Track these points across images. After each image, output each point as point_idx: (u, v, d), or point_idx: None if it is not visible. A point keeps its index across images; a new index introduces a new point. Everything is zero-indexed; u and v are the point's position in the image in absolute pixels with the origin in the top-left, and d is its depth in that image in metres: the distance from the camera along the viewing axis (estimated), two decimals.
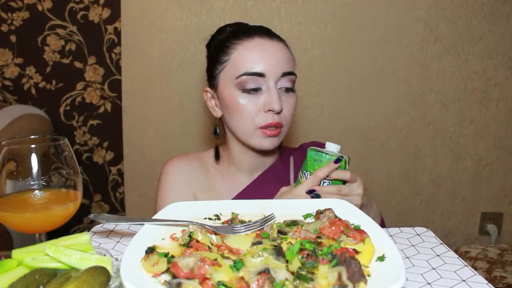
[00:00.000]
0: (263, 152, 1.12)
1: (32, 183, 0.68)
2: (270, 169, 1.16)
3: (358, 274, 0.52)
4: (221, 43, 1.07)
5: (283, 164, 1.18)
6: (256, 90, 1.01)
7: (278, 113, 1.01)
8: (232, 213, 0.75)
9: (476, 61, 2.07)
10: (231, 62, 1.03)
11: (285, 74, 1.02)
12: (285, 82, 1.03)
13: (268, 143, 1.04)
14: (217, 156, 1.17)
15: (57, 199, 0.70)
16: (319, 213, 0.72)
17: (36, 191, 0.69)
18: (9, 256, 0.56)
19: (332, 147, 0.97)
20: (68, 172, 0.71)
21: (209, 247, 0.61)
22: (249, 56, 1.01)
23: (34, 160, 0.67)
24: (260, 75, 1.00)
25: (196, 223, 0.67)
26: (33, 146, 0.68)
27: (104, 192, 2.20)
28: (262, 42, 1.03)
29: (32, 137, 0.74)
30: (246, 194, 1.10)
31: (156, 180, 1.20)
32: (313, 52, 2.02)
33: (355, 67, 2.04)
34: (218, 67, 1.06)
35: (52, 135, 0.73)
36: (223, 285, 0.51)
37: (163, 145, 2.09)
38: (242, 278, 0.52)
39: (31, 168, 0.67)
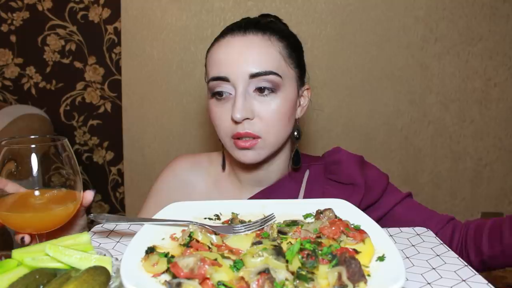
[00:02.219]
0: (263, 164, 0.99)
1: (32, 183, 0.68)
2: (275, 185, 1.02)
3: (358, 274, 0.52)
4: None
5: (291, 179, 1.03)
6: (222, 96, 0.90)
7: (244, 121, 0.88)
8: (232, 213, 0.75)
9: (476, 61, 2.07)
10: (206, 66, 0.96)
11: (254, 76, 0.87)
12: (257, 85, 0.88)
13: (244, 156, 0.91)
14: (223, 167, 1.06)
15: (57, 199, 0.70)
16: (319, 213, 0.72)
17: (36, 191, 0.69)
18: (9, 256, 0.56)
19: None
20: (68, 172, 0.70)
21: (209, 247, 0.61)
22: (215, 58, 0.92)
23: (34, 160, 0.67)
24: (224, 79, 0.89)
25: (196, 223, 0.67)
26: (33, 146, 0.67)
27: (104, 192, 2.20)
28: (231, 40, 0.91)
29: (32, 137, 0.73)
30: None
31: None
32: (313, 52, 2.02)
33: (355, 67, 2.04)
34: (205, 73, 0.99)
35: (52, 135, 0.73)
36: (223, 285, 0.51)
37: (163, 145, 2.09)
38: (242, 278, 0.52)
39: (31, 168, 0.67)
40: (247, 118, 0.88)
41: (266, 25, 0.95)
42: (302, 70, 0.98)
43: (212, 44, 0.95)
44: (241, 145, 0.89)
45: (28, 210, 0.68)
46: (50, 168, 0.69)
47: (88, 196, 0.76)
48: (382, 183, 0.99)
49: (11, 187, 0.69)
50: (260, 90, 0.89)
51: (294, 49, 0.95)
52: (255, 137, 0.89)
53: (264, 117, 0.89)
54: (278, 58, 0.91)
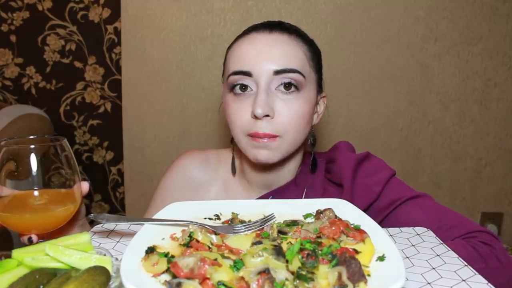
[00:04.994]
0: (276, 167, 0.97)
1: (31, 183, 0.68)
2: (283, 188, 1.00)
3: (358, 274, 0.52)
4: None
5: (296, 185, 1.01)
6: (244, 91, 0.89)
7: (264, 118, 0.87)
8: (232, 213, 0.75)
9: (476, 61, 2.07)
10: (227, 61, 0.95)
11: (278, 72, 0.87)
12: (281, 82, 0.88)
13: (258, 154, 0.88)
14: (233, 169, 1.04)
15: (57, 199, 0.70)
16: (319, 213, 0.72)
17: (35, 192, 0.69)
18: (9, 256, 0.56)
19: None
20: (68, 172, 0.70)
21: (209, 247, 0.61)
22: (238, 53, 0.91)
23: (33, 160, 0.67)
24: (247, 73, 0.88)
25: (196, 223, 0.67)
26: (32, 146, 0.67)
27: (104, 192, 2.20)
28: (257, 36, 0.91)
29: (32, 137, 0.73)
30: None
31: (156, 180, 1.19)
32: None
33: (355, 67, 2.04)
34: (223, 70, 0.99)
35: (52, 135, 0.73)
36: (223, 285, 0.51)
37: (163, 145, 2.09)
38: (242, 278, 0.52)
39: (30, 168, 0.67)
40: (267, 116, 0.87)
41: (291, 27, 0.95)
42: (320, 76, 0.98)
43: (235, 41, 0.96)
44: (261, 143, 0.87)
45: (27, 211, 0.67)
46: (50, 168, 0.69)
47: (84, 187, 0.75)
48: (381, 180, 0.95)
49: (6, 192, 0.68)
50: (286, 86, 0.88)
51: (315, 54, 0.96)
52: (273, 137, 0.88)
53: (285, 116, 0.87)
54: (303, 58, 0.90)
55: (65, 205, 0.69)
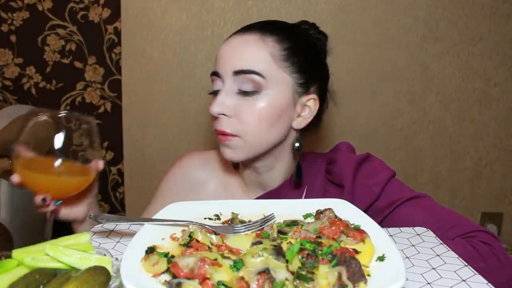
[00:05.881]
0: (264, 171, 0.98)
1: (56, 154, 0.74)
2: (277, 190, 1.00)
3: (358, 274, 0.52)
4: None
5: (291, 185, 1.01)
6: (215, 91, 0.93)
7: (222, 117, 0.89)
8: (232, 213, 0.75)
9: (476, 61, 2.07)
10: None
11: (237, 73, 0.88)
12: (241, 83, 0.88)
13: (224, 152, 0.92)
14: (234, 166, 1.06)
15: (74, 170, 0.76)
16: (319, 213, 0.72)
17: (57, 159, 0.74)
18: (9, 256, 0.56)
19: None
20: (89, 150, 0.77)
21: (209, 247, 0.61)
22: (217, 54, 0.94)
23: (60, 132, 0.74)
24: (216, 74, 0.92)
25: (196, 223, 0.67)
26: (60, 116, 0.75)
27: (104, 192, 2.20)
28: (231, 39, 0.93)
29: (63, 112, 0.78)
30: None
31: (156, 180, 1.20)
32: None
33: (355, 67, 2.04)
34: None
35: (80, 114, 0.78)
36: (223, 285, 0.51)
37: (163, 145, 2.09)
38: (242, 278, 0.52)
39: (56, 139, 0.74)
40: (224, 115, 0.89)
41: (268, 25, 0.94)
42: (308, 78, 0.94)
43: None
44: (220, 138, 0.91)
45: (45, 172, 0.74)
46: (73, 142, 0.76)
47: (100, 164, 0.80)
48: (381, 181, 0.95)
49: (29, 155, 0.75)
50: (244, 87, 0.88)
51: (296, 54, 0.92)
52: (232, 135, 0.89)
53: (243, 116, 0.88)
54: (266, 59, 0.89)
55: (80, 176, 0.77)
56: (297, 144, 0.96)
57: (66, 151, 0.74)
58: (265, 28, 0.93)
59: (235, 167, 1.06)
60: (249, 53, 0.89)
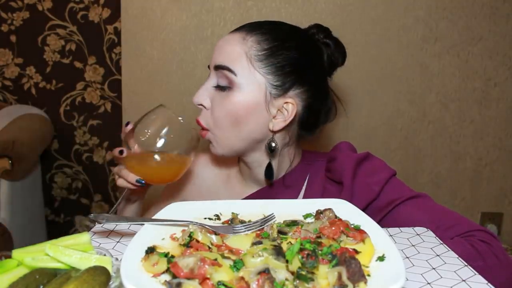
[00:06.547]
0: (254, 166, 1.00)
1: (160, 145, 0.89)
2: (272, 187, 1.01)
3: (358, 274, 0.52)
4: None
5: (285, 184, 1.01)
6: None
7: (202, 109, 0.97)
8: (232, 213, 0.75)
9: (476, 61, 2.07)
10: None
11: (216, 68, 0.93)
12: (219, 78, 0.92)
13: (210, 145, 0.99)
14: (239, 161, 1.08)
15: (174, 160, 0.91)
16: (319, 213, 0.72)
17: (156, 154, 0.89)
18: (9, 256, 0.56)
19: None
20: (183, 143, 0.91)
21: (209, 247, 0.61)
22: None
23: (168, 128, 0.90)
24: (208, 67, 0.98)
25: (196, 223, 0.67)
26: (180, 118, 0.92)
27: (104, 192, 2.20)
28: (227, 35, 0.97)
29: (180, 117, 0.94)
30: None
31: None
32: None
33: (355, 67, 2.04)
34: None
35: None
36: (223, 285, 0.51)
37: None
38: (242, 278, 0.52)
39: (164, 133, 0.89)
40: (204, 107, 0.96)
41: (257, 25, 0.94)
42: (285, 81, 0.91)
43: None
44: (202, 133, 0.97)
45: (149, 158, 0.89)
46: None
47: (128, 127, 0.91)
48: (381, 180, 0.95)
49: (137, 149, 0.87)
50: (219, 85, 0.93)
51: (275, 56, 0.91)
52: (205, 129, 0.96)
53: (214, 111, 0.94)
54: (241, 57, 0.90)
55: (179, 165, 0.92)
56: (273, 144, 0.94)
57: (166, 145, 0.89)
58: (252, 27, 0.94)
59: (238, 160, 1.08)
60: (228, 50, 0.92)
